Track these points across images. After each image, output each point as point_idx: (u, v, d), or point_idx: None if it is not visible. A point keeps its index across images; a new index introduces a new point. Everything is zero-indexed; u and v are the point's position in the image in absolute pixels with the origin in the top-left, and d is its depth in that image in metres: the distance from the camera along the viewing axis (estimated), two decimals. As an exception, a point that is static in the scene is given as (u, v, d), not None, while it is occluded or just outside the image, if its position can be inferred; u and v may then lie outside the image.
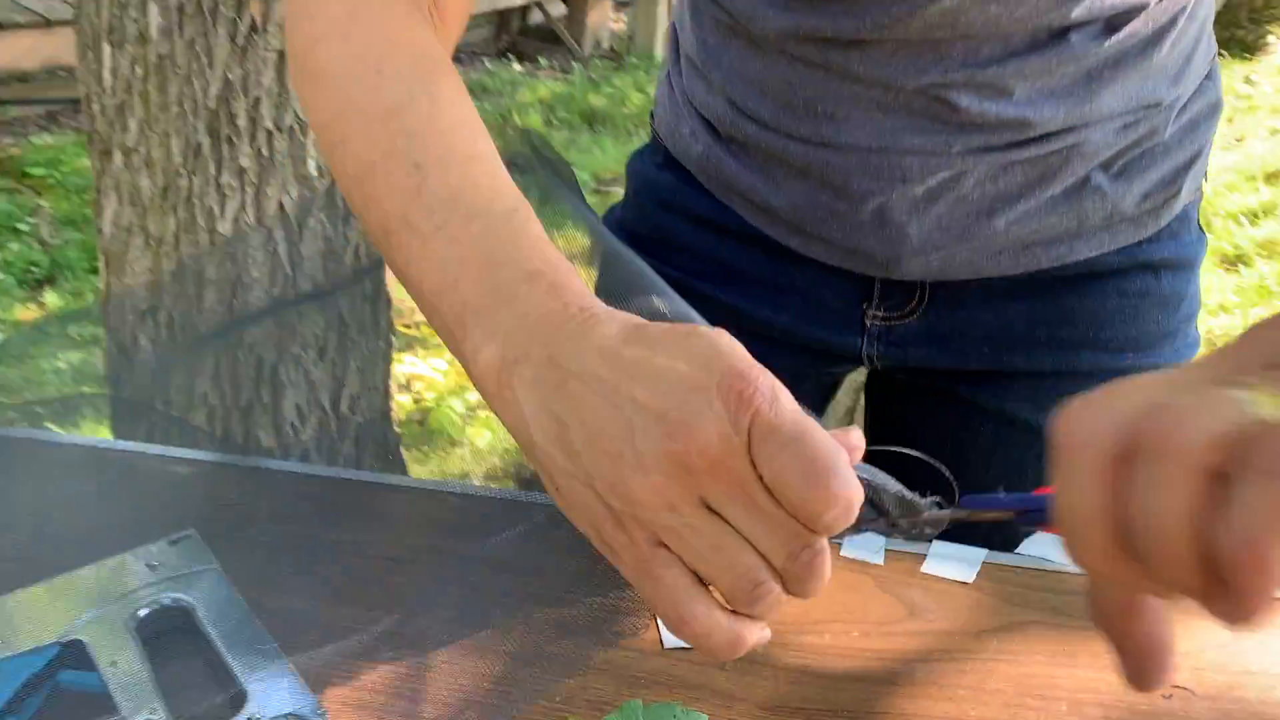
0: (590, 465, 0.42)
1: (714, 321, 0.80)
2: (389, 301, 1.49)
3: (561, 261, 0.48)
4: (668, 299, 0.61)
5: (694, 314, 0.63)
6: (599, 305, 0.45)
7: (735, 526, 0.41)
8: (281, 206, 1.28)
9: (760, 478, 0.39)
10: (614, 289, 0.72)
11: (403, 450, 1.87)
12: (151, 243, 1.25)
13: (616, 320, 0.44)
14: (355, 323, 1.40)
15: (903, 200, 0.68)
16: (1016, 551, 0.67)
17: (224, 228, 1.26)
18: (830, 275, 0.75)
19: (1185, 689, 0.57)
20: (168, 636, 0.57)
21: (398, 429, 1.82)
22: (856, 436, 0.44)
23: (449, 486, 0.73)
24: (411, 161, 0.50)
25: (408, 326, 2.54)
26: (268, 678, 0.54)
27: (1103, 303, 0.73)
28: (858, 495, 0.39)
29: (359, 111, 0.52)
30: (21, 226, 3.13)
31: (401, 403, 2.30)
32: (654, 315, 0.63)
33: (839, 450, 0.39)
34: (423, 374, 2.52)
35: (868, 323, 0.76)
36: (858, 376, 0.90)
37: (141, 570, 0.59)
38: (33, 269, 2.88)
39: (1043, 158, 0.66)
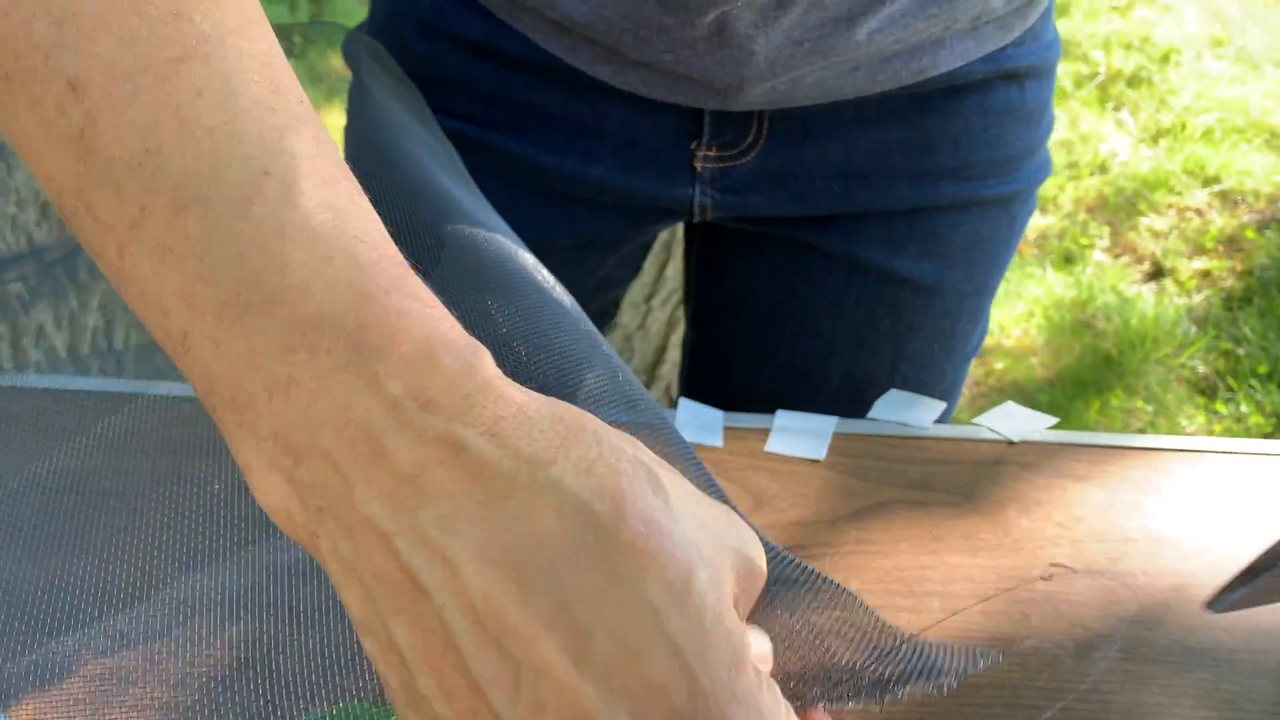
0: None
1: (510, 180, 0.66)
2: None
3: (382, 264, 0.26)
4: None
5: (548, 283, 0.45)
6: (456, 389, 0.24)
7: None
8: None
9: None
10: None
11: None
12: None
13: (481, 473, 0.23)
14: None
15: (748, 9, 0.54)
16: (869, 416, 0.59)
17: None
18: (651, 111, 0.61)
19: (1065, 566, 0.50)
20: None
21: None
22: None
23: (186, 391, 0.58)
24: (64, 77, 0.26)
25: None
26: (-72, 687, 0.40)
27: (965, 123, 0.63)
28: None
29: None
30: None
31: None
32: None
33: None
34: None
35: (698, 166, 0.63)
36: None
37: None
38: None
39: None
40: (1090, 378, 1.87)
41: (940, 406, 0.59)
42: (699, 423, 0.56)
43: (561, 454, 0.24)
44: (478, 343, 0.26)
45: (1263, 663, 0.46)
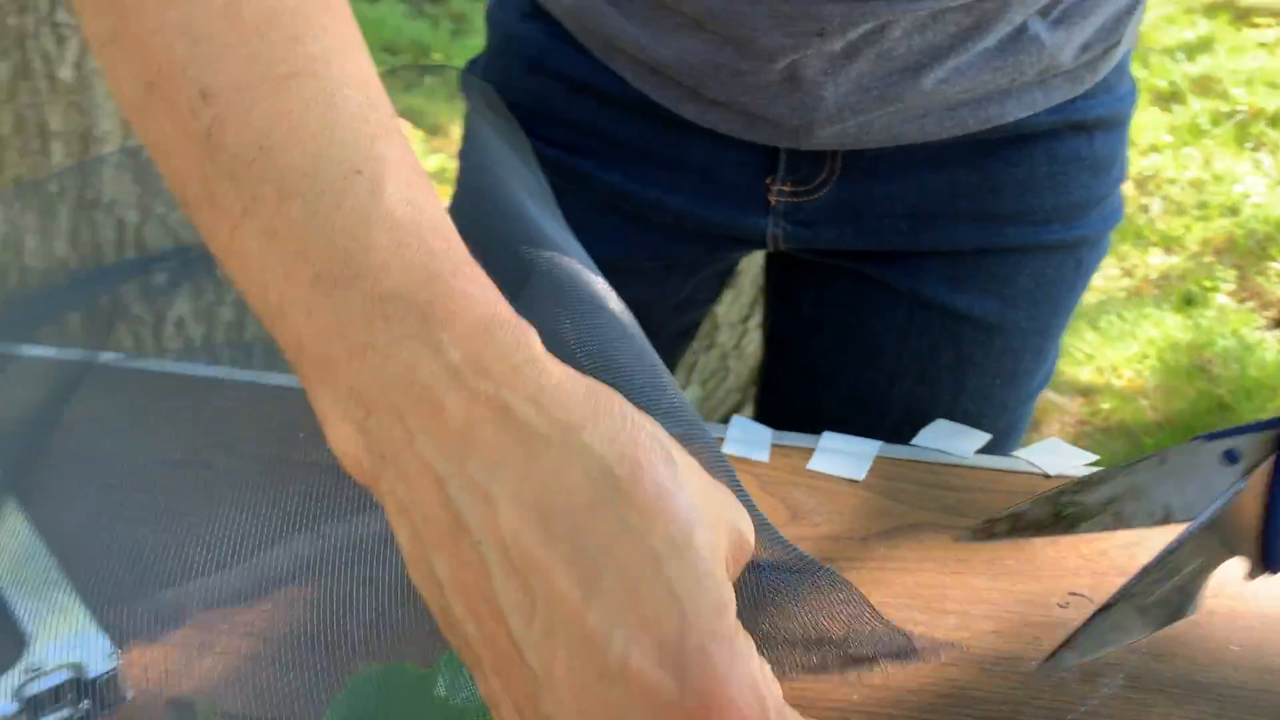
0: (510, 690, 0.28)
1: (598, 204, 0.71)
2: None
3: (450, 254, 0.31)
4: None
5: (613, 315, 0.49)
6: (506, 360, 0.29)
7: None
8: (134, 49, 1.11)
9: None
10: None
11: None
12: (-14, 91, 1.12)
13: (522, 431, 0.27)
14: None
15: (818, 57, 0.58)
16: (912, 443, 0.62)
17: (65, 74, 1.14)
18: (730, 147, 0.66)
19: (1083, 596, 0.53)
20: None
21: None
22: None
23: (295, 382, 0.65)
24: (197, 87, 0.32)
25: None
26: (55, 620, 0.47)
27: (1031, 170, 0.66)
28: None
29: None
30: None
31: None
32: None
33: None
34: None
35: (772, 200, 0.68)
36: (757, 255, 0.82)
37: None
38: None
39: (977, 3, 0.57)
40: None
41: (984, 438, 0.62)
42: (748, 438, 0.61)
43: (591, 423, 0.28)
44: (527, 324, 0.31)
45: (1265, 700, 0.48)
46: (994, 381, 0.71)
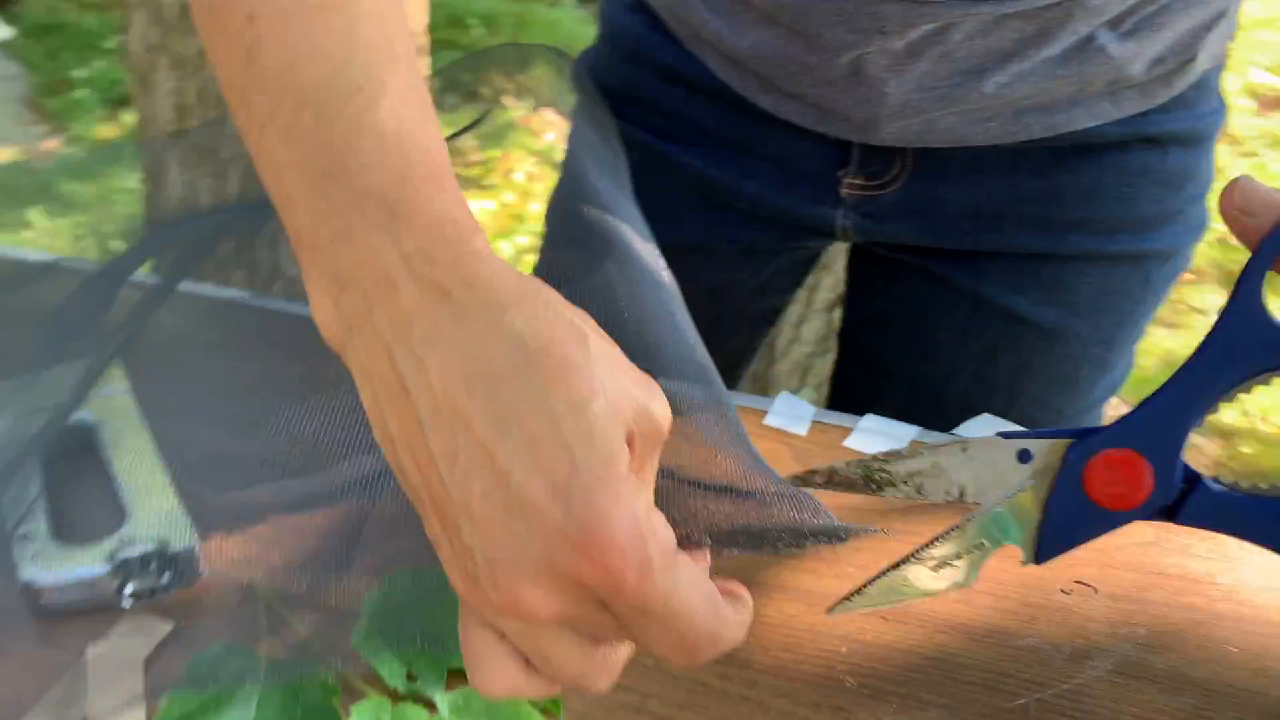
0: (448, 515, 0.33)
1: (680, 187, 0.76)
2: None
3: (425, 163, 0.36)
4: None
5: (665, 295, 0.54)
6: (451, 252, 0.34)
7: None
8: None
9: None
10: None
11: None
12: (177, 64, 1.24)
13: (457, 311, 0.33)
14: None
15: (881, 55, 0.62)
16: (953, 432, 0.64)
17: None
18: (804, 139, 0.70)
19: (1087, 585, 0.54)
20: (70, 456, 0.58)
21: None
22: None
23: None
24: (246, 10, 0.38)
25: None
26: (152, 504, 0.54)
27: (1098, 180, 0.67)
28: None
29: None
30: (109, 44, 3.17)
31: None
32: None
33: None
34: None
35: (844, 192, 0.71)
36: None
37: (50, 390, 0.60)
38: (115, 86, 2.94)
39: (1040, 11, 0.59)
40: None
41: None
42: (790, 413, 0.64)
43: (516, 306, 0.33)
44: (478, 225, 0.36)
45: (1255, 701, 0.48)
46: (1051, 387, 0.72)
